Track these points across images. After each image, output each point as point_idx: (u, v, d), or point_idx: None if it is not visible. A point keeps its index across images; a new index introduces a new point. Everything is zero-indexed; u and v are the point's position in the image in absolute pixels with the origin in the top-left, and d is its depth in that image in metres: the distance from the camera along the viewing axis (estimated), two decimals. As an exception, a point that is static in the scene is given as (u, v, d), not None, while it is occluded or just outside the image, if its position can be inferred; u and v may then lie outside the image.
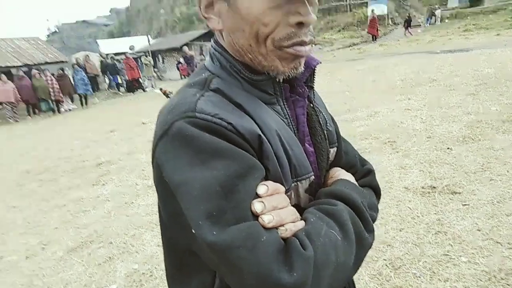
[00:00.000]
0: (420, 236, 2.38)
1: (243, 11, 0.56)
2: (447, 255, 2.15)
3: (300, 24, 0.56)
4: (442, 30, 18.37)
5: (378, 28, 20.87)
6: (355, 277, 2.09)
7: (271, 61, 0.59)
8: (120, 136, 7.10)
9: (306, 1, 0.56)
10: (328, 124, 0.75)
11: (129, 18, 53.33)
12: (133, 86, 16.46)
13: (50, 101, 13.18)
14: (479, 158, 3.38)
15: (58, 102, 13.44)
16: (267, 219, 0.51)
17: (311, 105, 0.72)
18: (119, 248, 2.96)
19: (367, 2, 25.11)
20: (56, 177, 5.09)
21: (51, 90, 12.92)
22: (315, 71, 0.72)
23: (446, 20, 21.07)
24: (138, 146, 6.04)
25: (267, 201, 0.52)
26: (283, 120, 0.64)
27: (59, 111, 13.45)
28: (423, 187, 3.03)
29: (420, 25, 22.06)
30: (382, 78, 8.48)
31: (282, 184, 0.58)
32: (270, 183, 0.55)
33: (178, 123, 0.53)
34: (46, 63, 16.33)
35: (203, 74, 0.64)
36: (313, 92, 0.75)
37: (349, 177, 0.73)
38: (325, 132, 0.72)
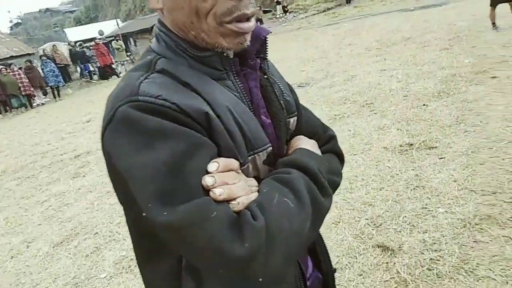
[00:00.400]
0: (400, 193, 2.42)
1: None
2: (426, 208, 2.20)
3: (238, 1, 0.55)
4: (414, -13, 18.21)
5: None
6: (338, 238, 2.11)
7: (214, 38, 0.58)
8: (97, 125, 6.93)
9: None
10: (285, 94, 0.74)
11: (95, 2, 51.05)
12: (106, 72, 15.95)
13: (20, 97, 12.68)
14: (454, 111, 3.43)
15: (29, 97, 12.95)
16: (218, 192, 0.51)
17: (265, 76, 0.70)
18: (105, 237, 2.94)
19: (338, -36, 24.60)
20: (34, 174, 4.96)
21: (20, 85, 12.40)
22: (267, 41, 0.69)
23: (418, -24, 20.85)
24: (117, 133, 5.92)
25: (218, 176, 0.52)
26: (235, 95, 0.63)
27: (31, 106, 12.99)
28: (401, 145, 3.07)
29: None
30: (357, 41, 8.43)
31: (236, 158, 0.58)
32: (221, 159, 0.55)
33: (121, 108, 0.53)
34: (12, 57, 15.61)
35: (148, 57, 0.63)
36: (267, 63, 0.73)
37: (310, 145, 0.72)
38: (281, 102, 0.71)
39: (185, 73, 0.59)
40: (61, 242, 3.03)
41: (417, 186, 2.44)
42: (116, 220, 3.14)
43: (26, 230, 3.40)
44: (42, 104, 13.24)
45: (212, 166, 0.53)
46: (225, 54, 0.61)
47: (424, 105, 3.79)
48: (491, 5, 5.87)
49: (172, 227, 0.49)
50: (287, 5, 23.22)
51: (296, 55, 8.55)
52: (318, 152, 0.72)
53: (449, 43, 5.91)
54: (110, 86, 13.56)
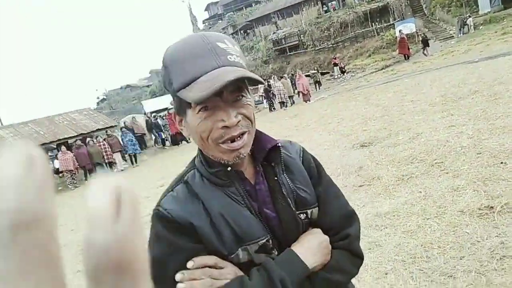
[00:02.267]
0: (484, 263, 2.22)
1: (190, 124, 0.80)
2: (517, 282, 1.98)
3: (226, 127, 0.76)
4: (477, 38, 17.73)
5: (409, 47, 20.60)
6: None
7: (216, 153, 0.80)
8: (169, 190, 7.41)
9: (226, 110, 0.75)
10: (300, 191, 0.88)
11: (168, 76, 56.85)
12: (177, 139, 17.31)
13: (104, 165, 14.15)
14: (538, 169, 3.15)
15: (111, 164, 14.40)
16: (181, 286, 0.73)
17: (275, 178, 0.87)
18: None
19: (393, 24, 25.09)
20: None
21: (104, 153, 13.94)
22: (280, 149, 0.88)
23: (480, 27, 20.37)
24: (187, 197, 6.27)
25: (187, 273, 0.74)
26: (235, 198, 0.82)
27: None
28: (479, 208, 2.85)
29: (453, 36, 21.49)
30: (420, 96, 8.27)
31: (220, 251, 0.78)
32: (197, 259, 0.76)
33: (153, 211, 0.83)
34: (98, 130, 17.73)
35: (190, 166, 0.91)
36: (281, 167, 0.89)
37: (307, 246, 0.84)
38: (288, 200, 0.86)
39: (198, 185, 0.83)
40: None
41: (504, 256, 2.22)
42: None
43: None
44: (122, 170, 14.58)
45: (189, 264, 0.75)
46: (229, 169, 0.81)
47: (502, 163, 3.53)
48: None
49: None
50: (344, 66, 23.81)
51: (357, 114, 8.59)
52: (319, 251, 0.83)
53: (524, 94, 5.56)
54: (181, 151, 14.60)
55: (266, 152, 0.86)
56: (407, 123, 6.23)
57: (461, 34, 20.75)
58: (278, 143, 0.88)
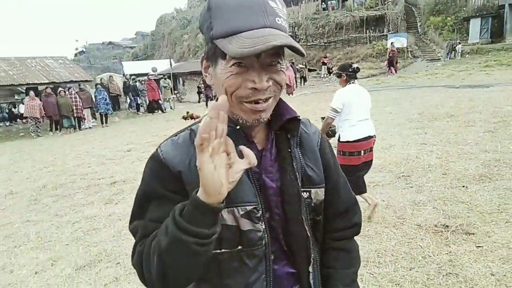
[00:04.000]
0: (431, 276, 2.32)
1: (218, 75, 0.76)
2: (458, 299, 2.07)
3: (255, 89, 0.73)
4: (462, 65, 18.33)
5: (397, 61, 21.01)
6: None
7: (237, 111, 0.77)
8: (136, 155, 7.24)
9: (259, 73, 0.72)
10: (308, 168, 0.88)
11: (154, 42, 55.29)
12: (153, 107, 16.90)
13: (72, 118, 13.61)
14: (496, 198, 3.31)
15: (79, 119, 13.88)
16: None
17: (289, 150, 0.85)
18: (126, 269, 2.98)
19: (386, 35, 25.44)
20: (71, 193, 5.20)
21: (74, 107, 13.38)
22: (299, 123, 0.87)
23: (467, 55, 21.04)
24: (153, 166, 6.14)
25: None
26: None
27: (79, 128, 13.86)
28: (436, 225, 2.97)
29: (440, 59, 22.08)
30: (399, 110, 8.47)
31: None
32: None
33: (154, 151, 0.85)
34: (72, 81, 16.97)
35: (203, 117, 0.86)
36: (296, 140, 0.88)
37: None
38: (296, 173, 0.84)
39: None
40: (84, 266, 3.10)
41: (449, 273, 2.33)
42: (140, 254, 3.19)
43: (54, 248, 3.51)
44: (90, 127, 14.09)
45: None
46: (237, 127, 0.79)
47: (463, 186, 3.68)
48: None
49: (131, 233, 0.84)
50: (332, 67, 23.97)
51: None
52: None
53: (494, 126, 5.81)
54: (154, 119, 14.27)
55: (283, 122, 0.84)
56: (382, 133, 6.36)
57: (448, 59, 21.36)
58: (298, 116, 0.86)
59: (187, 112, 11.48)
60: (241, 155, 0.70)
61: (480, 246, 2.59)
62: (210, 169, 0.64)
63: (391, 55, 20.76)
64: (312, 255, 0.88)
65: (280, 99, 0.83)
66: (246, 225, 0.78)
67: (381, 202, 3.58)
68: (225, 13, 0.72)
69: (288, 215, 0.83)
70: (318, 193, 0.88)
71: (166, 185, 0.79)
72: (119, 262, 3.11)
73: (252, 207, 0.79)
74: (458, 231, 2.83)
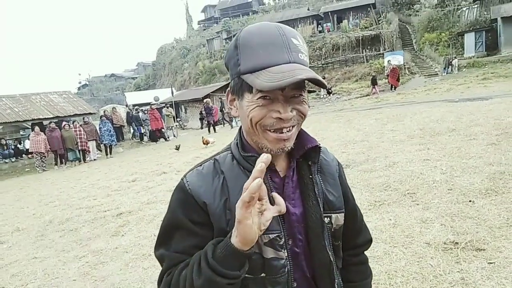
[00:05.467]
0: (444, 296, 2.27)
1: (244, 107, 0.81)
2: (473, 319, 2.03)
3: (279, 119, 0.78)
4: (460, 79, 18.49)
5: (398, 78, 21.31)
6: None
7: (262, 140, 0.81)
8: (141, 186, 7.26)
9: (284, 104, 0.78)
10: (329, 193, 0.92)
11: (155, 71, 56.36)
12: (156, 135, 17.07)
13: (76, 151, 13.73)
14: (504, 212, 3.27)
15: (84, 152, 14.00)
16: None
17: (310, 176, 0.89)
18: (134, 303, 2.94)
19: (383, 54, 25.83)
20: (77, 227, 5.19)
21: (78, 140, 13.53)
22: (320, 150, 0.92)
23: (464, 69, 21.25)
24: (158, 195, 6.15)
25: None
26: None
27: (84, 161, 13.96)
28: (445, 243, 2.93)
29: (437, 74, 22.31)
30: (400, 127, 8.49)
31: (226, 234, 0.77)
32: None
33: (180, 181, 0.88)
34: (76, 114, 17.23)
35: (225, 148, 0.94)
36: (317, 166, 0.92)
37: None
38: (318, 199, 0.88)
39: (227, 164, 0.87)
40: (92, 302, 3.06)
41: (463, 291, 2.28)
42: (148, 286, 3.15)
43: (61, 285, 3.48)
44: (94, 159, 14.18)
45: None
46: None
47: (470, 201, 3.65)
48: None
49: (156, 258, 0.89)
50: (331, 87, 24.24)
51: (338, 136, 8.72)
52: None
53: (497, 138, 5.80)
54: (158, 148, 14.37)
55: (305, 150, 0.88)
56: (385, 151, 6.37)
57: (445, 73, 21.59)
58: (319, 144, 0.91)
59: (202, 137, 11.79)
60: (271, 200, 0.75)
61: (492, 263, 2.55)
62: (250, 223, 0.68)
63: (387, 71, 21.11)
64: (336, 280, 0.91)
65: (301, 128, 0.87)
66: (269, 253, 0.81)
67: (388, 221, 3.55)
68: (252, 50, 0.77)
69: (311, 241, 0.86)
70: (339, 218, 0.92)
71: (192, 216, 0.82)
72: (127, 296, 3.07)
73: (275, 235, 0.81)
74: (468, 248, 2.79)
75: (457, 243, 2.89)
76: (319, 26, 34.87)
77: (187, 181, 0.85)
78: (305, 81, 0.78)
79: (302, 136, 0.88)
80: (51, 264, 4.00)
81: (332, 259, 0.88)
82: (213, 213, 0.81)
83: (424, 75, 22.94)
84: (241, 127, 0.90)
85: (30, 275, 3.82)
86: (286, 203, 0.81)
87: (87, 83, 77.96)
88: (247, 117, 0.79)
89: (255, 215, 0.70)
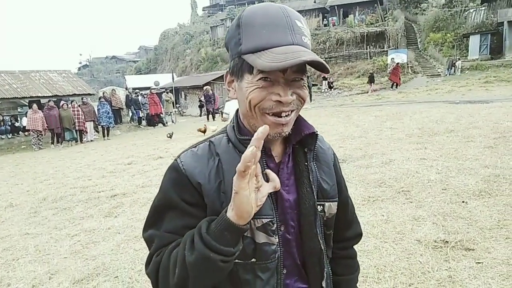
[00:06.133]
0: (430, 293, 2.29)
1: (244, 89, 0.78)
2: (458, 316, 2.05)
3: (279, 102, 0.76)
4: (462, 81, 18.47)
5: (400, 76, 21.27)
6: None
7: (259, 123, 0.78)
8: (136, 169, 7.26)
9: (284, 87, 0.75)
10: (323, 181, 0.91)
11: (157, 56, 55.95)
12: (154, 120, 17.01)
13: (73, 131, 13.68)
14: (495, 214, 3.29)
15: (81, 132, 13.96)
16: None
17: (306, 163, 0.88)
18: (124, 283, 2.95)
19: (387, 51, 25.72)
20: (70, 206, 5.20)
21: (76, 120, 13.48)
22: (317, 138, 0.91)
23: (467, 71, 21.22)
24: (154, 179, 6.15)
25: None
26: None
27: (81, 141, 13.93)
28: (435, 241, 2.95)
29: (440, 74, 22.26)
30: (399, 125, 8.50)
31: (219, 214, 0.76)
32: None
33: (173, 161, 0.86)
34: (74, 94, 17.13)
35: (221, 130, 0.92)
36: (313, 154, 0.91)
37: None
38: (313, 187, 0.87)
39: (222, 147, 0.84)
40: (82, 280, 3.08)
41: (449, 289, 2.31)
42: (138, 267, 3.17)
43: (52, 261, 3.49)
44: (91, 140, 14.15)
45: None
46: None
47: (463, 202, 3.68)
48: None
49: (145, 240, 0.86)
50: (332, 82, 24.17)
51: (336, 131, 8.72)
52: None
53: (494, 142, 5.82)
54: (155, 133, 14.35)
55: (302, 137, 0.86)
56: (382, 148, 6.38)
57: (448, 74, 21.55)
58: (316, 131, 0.89)
59: (204, 125, 11.75)
60: (266, 177, 0.74)
61: (480, 262, 2.57)
62: (246, 194, 0.67)
63: (390, 69, 21.06)
64: (326, 269, 0.90)
65: (299, 114, 0.85)
66: (261, 237, 0.80)
67: (380, 217, 3.57)
68: (255, 30, 0.75)
69: (303, 229, 0.85)
70: (332, 207, 0.91)
71: (184, 196, 0.80)
72: (117, 276, 3.08)
73: (268, 220, 0.80)
74: (457, 247, 2.81)
75: (447, 241, 2.91)
76: (325, 19, 34.62)
77: (181, 161, 0.83)
78: (306, 65, 0.76)
79: (299, 122, 0.86)
80: (43, 241, 4.01)
81: (322, 247, 0.87)
82: (207, 194, 0.79)
83: (427, 75, 22.91)
84: (237, 110, 0.87)
85: (22, 250, 3.83)
86: (280, 189, 0.80)
87: (88, 64, 77.40)
88: (246, 99, 0.77)
89: (252, 190, 0.68)
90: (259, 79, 0.75)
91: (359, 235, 1.06)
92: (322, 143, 0.96)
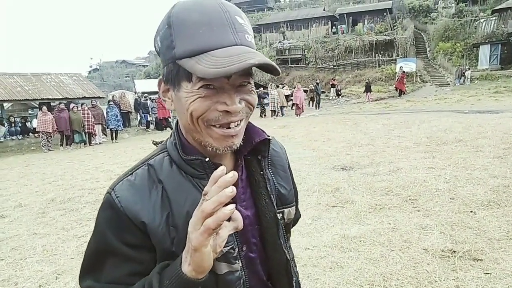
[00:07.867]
0: (437, 302, 2.27)
1: (182, 99, 0.66)
2: (465, 326, 2.03)
3: (226, 112, 0.66)
4: (471, 90, 18.34)
5: (406, 84, 21.23)
6: None
7: (206, 137, 0.68)
8: (144, 172, 7.29)
9: (231, 94, 0.66)
10: (281, 187, 0.85)
11: (166, 61, 56.32)
12: (162, 124, 17.15)
13: (83, 134, 13.83)
14: (504, 224, 3.26)
15: (90, 135, 14.10)
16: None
17: (261, 172, 0.80)
18: (129, 285, 2.97)
19: (395, 59, 25.67)
20: (78, 208, 5.24)
21: (86, 123, 13.63)
22: (270, 143, 0.81)
23: (476, 81, 21.07)
24: (160, 183, 6.18)
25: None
26: None
27: (90, 144, 14.06)
28: (443, 250, 2.92)
29: (449, 84, 22.13)
30: (407, 134, 8.45)
31: (175, 253, 0.67)
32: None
33: (106, 193, 0.72)
34: (84, 97, 17.35)
35: (160, 148, 0.80)
36: (267, 160, 0.82)
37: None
38: (271, 196, 0.80)
39: (165, 171, 0.72)
40: (88, 281, 3.10)
41: (456, 299, 2.28)
42: (143, 270, 3.18)
43: (59, 262, 3.53)
44: (100, 143, 14.28)
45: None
46: (207, 160, 0.71)
47: (471, 211, 3.64)
48: None
49: None
50: (340, 89, 24.16)
51: (343, 138, 8.70)
52: None
53: (504, 152, 5.76)
54: (163, 137, 14.39)
55: (253, 145, 0.78)
56: (390, 156, 6.35)
57: (457, 84, 21.41)
58: (269, 137, 0.80)
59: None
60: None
61: (488, 273, 2.54)
62: (208, 251, 0.58)
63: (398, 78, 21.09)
64: (294, 278, 0.85)
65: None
66: (222, 268, 0.71)
67: (387, 225, 3.55)
68: (190, 30, 0.63)
69: (266, 242, 0.79)
70: (291, 212, 0.86)
71: (126, 239, 0.68)
72: (123, 277, 3.10)
73: (228, 247, 0.71)
74: (465, 257, 2.79)
75: (454, 251, 2.88)
76: (334, 27, 34.71)
77: (117, 196, 0.69)
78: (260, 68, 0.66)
79: (249, 129, 0.77)
80: (51, 241, 4.06)
81: (288, 257, 0.82)
82: (154, 234, 0.67)
83: (436, 84, 22.80)
84: (177, 122, 0.76)
85: (30, 250, 3.87)
86: (237, 206, 0.67)
87: (98, 67, 78.34)
88: (187, 110, 0.66)
89: (211, 238, 0.58)
90: (200, 87, 0.64)
91: (298, 219, 0.99)
92: (275, 146, 0.89)
